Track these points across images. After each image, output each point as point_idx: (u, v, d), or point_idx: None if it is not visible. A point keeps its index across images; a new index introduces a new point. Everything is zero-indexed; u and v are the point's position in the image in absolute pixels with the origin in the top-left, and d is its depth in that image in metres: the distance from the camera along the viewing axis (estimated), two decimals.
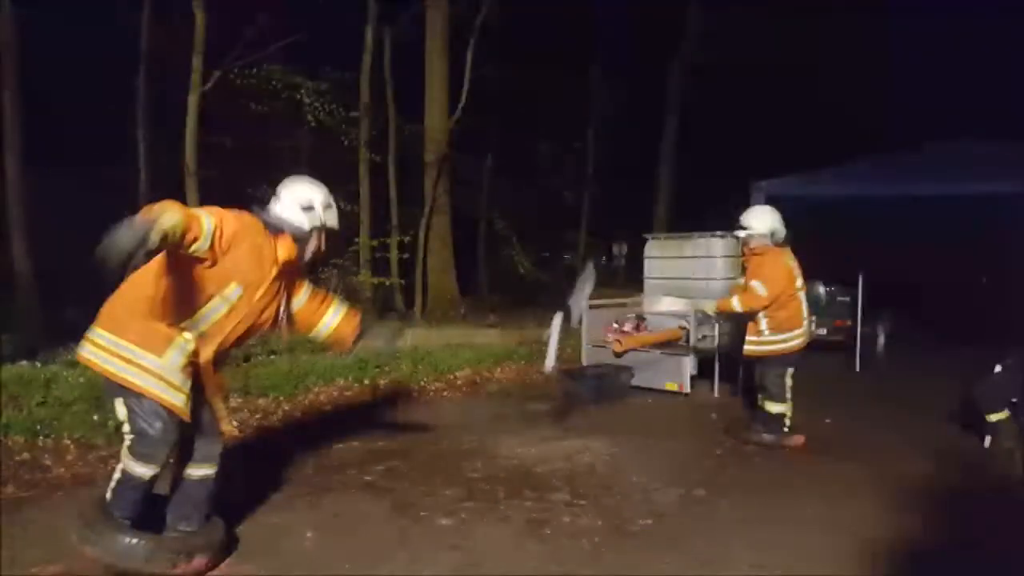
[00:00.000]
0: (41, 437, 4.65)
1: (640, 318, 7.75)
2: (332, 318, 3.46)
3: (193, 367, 2.90)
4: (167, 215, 2.42)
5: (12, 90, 10.55)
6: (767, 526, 3.67)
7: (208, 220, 2.69)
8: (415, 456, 4.84)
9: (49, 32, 11.72)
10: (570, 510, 3.86)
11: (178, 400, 2.83)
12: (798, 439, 5.18)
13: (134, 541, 2.80)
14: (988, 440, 5.09)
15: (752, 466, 4.81)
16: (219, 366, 3.11)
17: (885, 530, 3.60)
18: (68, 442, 4.64)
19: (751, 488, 4.29)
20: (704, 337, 7.18)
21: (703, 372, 7.05)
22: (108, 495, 2.88)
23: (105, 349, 2.82)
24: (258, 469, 4.35)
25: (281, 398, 6.14)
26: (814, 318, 7.63)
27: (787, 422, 5.16)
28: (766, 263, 5.13)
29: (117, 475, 2.88)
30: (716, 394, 6.99)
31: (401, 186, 12.45)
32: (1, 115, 10.56)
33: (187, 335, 2.86)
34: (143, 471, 2.83)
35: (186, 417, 2.88)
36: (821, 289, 9.48)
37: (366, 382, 6.92)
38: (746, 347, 5.33)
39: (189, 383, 2.88)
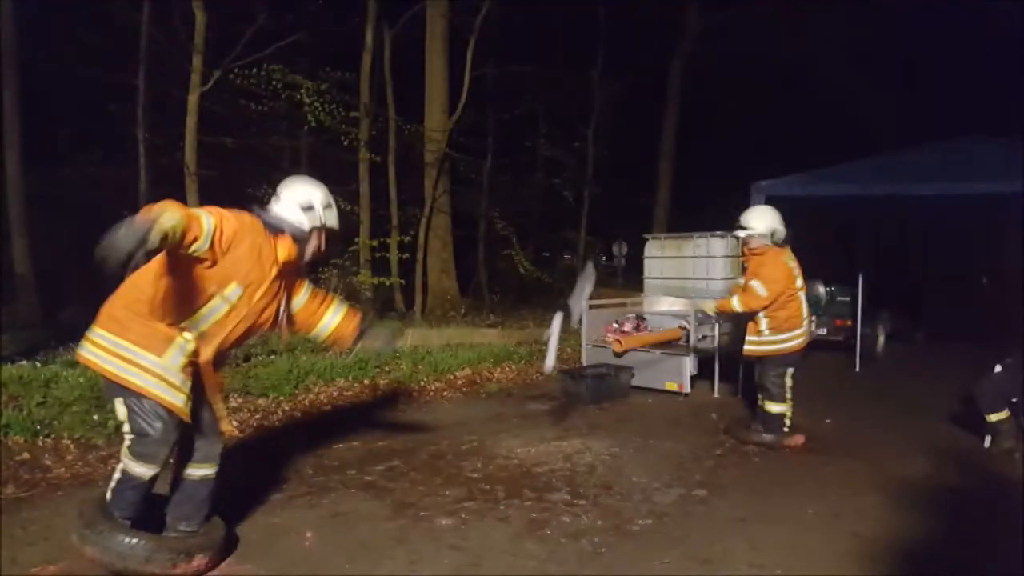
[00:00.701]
0: (41, 437, 4.65)
1: (640, 318, 7.77)
2: (332, 318, 3.45)
3: (193, 367, 2.90)
4: (167, 215, 2.41)
5: (12, 90, 10.57)
6: (767, 525, 3.67)
7: (208, 220, 2.68)
8: (415, 456, 4.84)
9: (49, 32, 11.73)
10: (570, 510, 3.85)
11: (178, 400, 2.83)
12: (798, 439, 5.18)
13: (134, 541, 2.80)
14: (988, 440, 5.10)
15: (752, 466, 4.81)
16: (219, 366, 3.11)
17: (885, 529, 3.61)
18: (68, 442, 4.65)
19: (751, 488, 4.29)
20: (704, 337, 7.19)
21: (703, 372, 7.05)
22: (108, 495, 2.88)
23: (105, 349, 2.82)
24: (258, 469, 4.35)
25: (281, 398, 6.15)
26: (814, 318, 7.65)
27: (787, 422, 5.16)
28: (766, 263, 5.13)
29: (117, 475, 2.88)
30: (716, 394, 6.99)
31: (401, 186, 12.45)
32: (1, 115, 10.58)
33: (187, 335, 2.86)
34: (143, 471, 2.83)
35: (186, 417, 2.88)
36: (821, 289, 9.51)
37: (366, 382, 6.93)
38: (746, 347, 5.33)
39: (189, 383, 2.87)
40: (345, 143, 11.94)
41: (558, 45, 15.63)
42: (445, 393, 7.10)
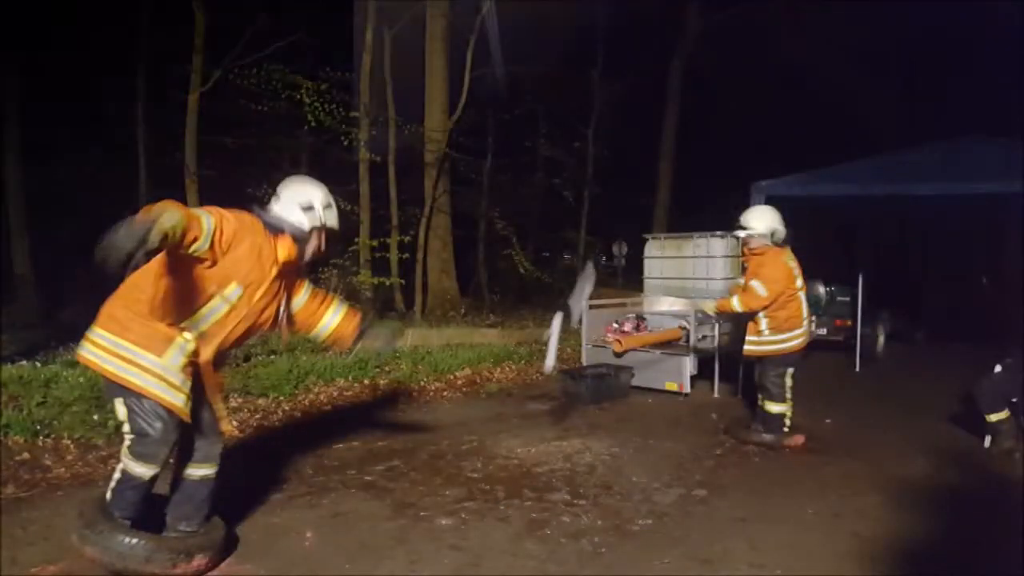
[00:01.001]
0: (41, 437, 4.65)
1: (640, 318, 7.76)
2: (332, 318, 3.45)
3: (193, 367, 2.90)
4: (167, 215, 2.41)
5: (12, 90, 10.59)
6: (767, 525, 3.67)
7: (208, 220, 2.68)
8: (415, 456, 4.84)
9: (49, 32, 11.73)
10: (570, 510, 3.85)
11: (178, 400, 2.83)
12: (798, 439, 5.18)
13: (134, 541, 2.80)
14: (988, 440, 5.10)
15: (752, 466, 4.81)
16: (219, 366, 3.11)
17: (885, 529, 3.61)
18: (68, 442, 4.64)
19: (751, 488, 4.29)
20: (704, 337, 7.19)
21: (703, 372, 7.05)
22: (108, 495, 2.88)
23: (105, 349, 2.82)
24: (258, 469, 4.35)
25: (281, 398, 6.15)
26: (814, 318, 7.65)
27: (787, 422, 5.16)
28: (766, 263, 5.13)
29: (117, 475, 2.88)
30: (716, 394, 6.99)
31: (401, 186, 12.44)
32: (1, 115, 10.59)
33: (187, 335, 2.86)
34: (143, 471, 2.83)
35: (186, 417, 2.87)
36: (821, 289, 9.51)
37: (366, 382, 6.92)
38: (746, 347, 5.33)
39: (189, 383, 2.87)
40: (345, 143, 11.94)
41: (558, 45, 15.61)
42: (445, 393, 7.10)
